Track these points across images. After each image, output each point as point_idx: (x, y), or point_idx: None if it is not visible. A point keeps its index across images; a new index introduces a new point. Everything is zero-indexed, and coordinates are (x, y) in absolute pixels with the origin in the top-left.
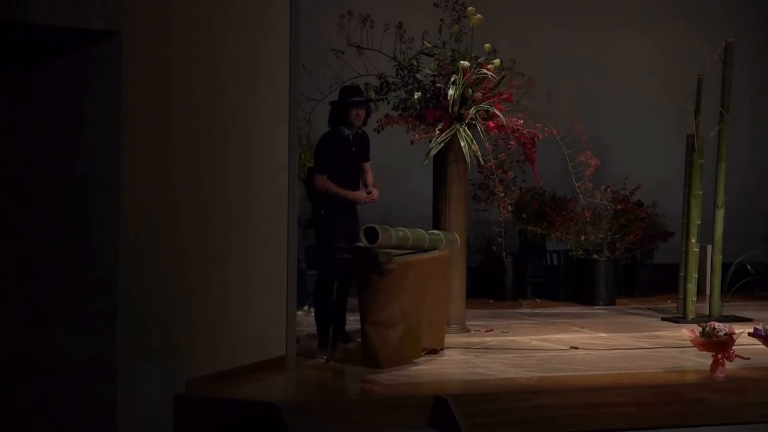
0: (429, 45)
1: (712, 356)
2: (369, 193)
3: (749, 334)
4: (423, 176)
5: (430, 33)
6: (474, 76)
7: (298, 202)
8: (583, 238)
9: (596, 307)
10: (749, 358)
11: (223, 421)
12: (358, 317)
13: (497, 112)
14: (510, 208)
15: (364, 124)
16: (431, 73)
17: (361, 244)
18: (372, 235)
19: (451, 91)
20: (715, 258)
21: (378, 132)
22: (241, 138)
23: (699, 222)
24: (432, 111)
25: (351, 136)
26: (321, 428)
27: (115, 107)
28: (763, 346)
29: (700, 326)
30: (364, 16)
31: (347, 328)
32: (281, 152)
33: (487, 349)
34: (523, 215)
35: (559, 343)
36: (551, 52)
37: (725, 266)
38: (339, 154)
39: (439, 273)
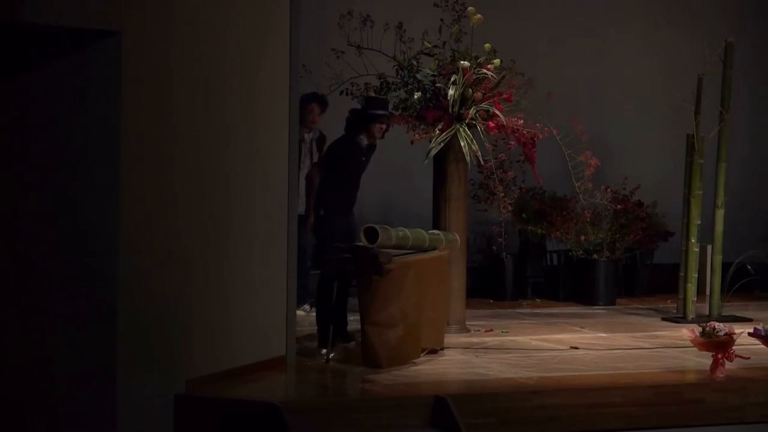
0: (429, 45)
1: (712, 356)
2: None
3: (749, 334)
4: (423, 176)
5: (430, 33)
6: (474, 76)
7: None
8: (583, 238)
9: (596, 307)
10: (749, 358)
11: (223, 421)
12: (358, 317)
13: (497, 112)
14: (510, 208)
15: (382, 137)
16: (431, 73)
17: (361, 244)
18: (372, 235)
19: (451, 91)
20: (715, 258)
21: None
22: (241, 138)
23: (699, 222)
24: (432, 111)
25: (366, 146)
26: (321, 428)
27: (115, 107)
28: (763, 346)
29: (700, 326)
30: (364, 16)
31: (347, 328)
32: (281, 152)
33: (487, 349)
34: (523, 215)
35: (559, 343)
36: (551, 52)
37: (725, 266)
38: (350, 164)
39: (439, 273)
